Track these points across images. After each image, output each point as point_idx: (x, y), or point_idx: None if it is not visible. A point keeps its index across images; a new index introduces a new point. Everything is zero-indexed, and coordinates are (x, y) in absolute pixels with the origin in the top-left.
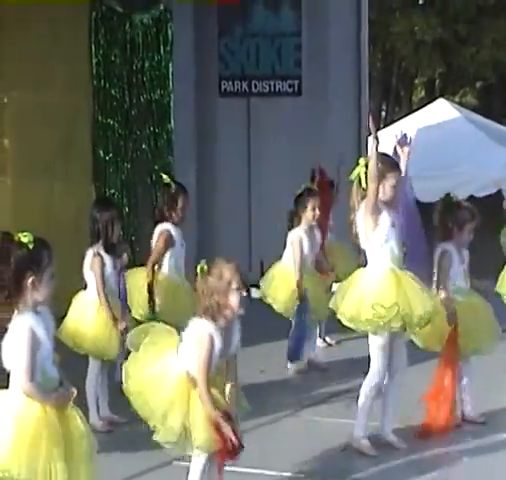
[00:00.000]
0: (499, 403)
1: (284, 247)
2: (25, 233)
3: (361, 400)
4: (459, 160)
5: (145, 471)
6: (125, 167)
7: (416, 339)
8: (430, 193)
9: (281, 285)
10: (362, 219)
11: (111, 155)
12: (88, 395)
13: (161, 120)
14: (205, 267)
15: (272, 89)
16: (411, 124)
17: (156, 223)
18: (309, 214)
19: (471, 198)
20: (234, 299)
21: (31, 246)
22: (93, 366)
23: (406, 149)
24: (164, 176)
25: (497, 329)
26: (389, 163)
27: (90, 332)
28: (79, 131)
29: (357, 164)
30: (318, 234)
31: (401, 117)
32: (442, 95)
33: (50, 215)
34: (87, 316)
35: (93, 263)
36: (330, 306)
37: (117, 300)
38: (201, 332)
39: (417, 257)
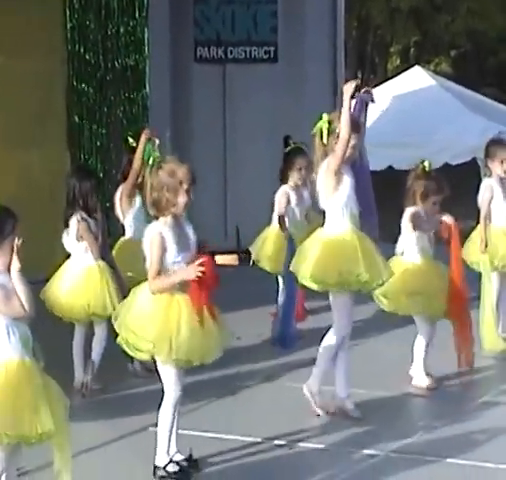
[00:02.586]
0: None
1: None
2: None
3: (323, 357)
4: (435, 128)
5: (121, 437)
6: (100, 133)
7: (384, 302)
8: (405, 160)
9: (272, 245)
10: (323, 178)
11: (86, 121)
12: (75, 357)
13: (136, 86)
14: (157, 160)
15: (248, 55)
16: (387, 91)
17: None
18: (296, 174)
19: (446, 166)
20: (182, 200)
21: None
22: (79, 328)
23: (366, 107)
24: (131, 140)
25: None
26: (355, 123)
27: (96, 294)
28: (54, 97)
29: (320, 119)
30: (306, 194)
31: (376, 85)
32: (417, 63)
33: (26, 181)
34: (79, 284)
35: (82, 229)
36: (291, 269)
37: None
38: (150, 234)
39: (367, 221)
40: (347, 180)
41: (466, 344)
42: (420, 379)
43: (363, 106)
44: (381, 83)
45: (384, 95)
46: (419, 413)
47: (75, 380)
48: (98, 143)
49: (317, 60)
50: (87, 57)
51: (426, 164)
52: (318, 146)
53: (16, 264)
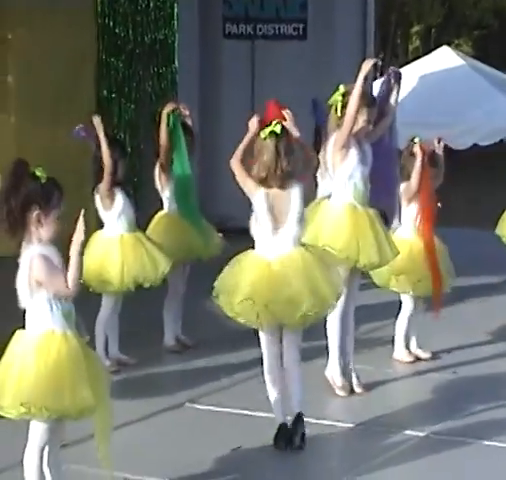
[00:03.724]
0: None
1: None
2: (40, 168)
3: (332, 336)
4: (463, 108)
5: (156, 413)
6: (129, 107)
7: (375, 277)
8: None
9: None
10: (331, 151)
11: (115, 95)
12: (97, 335)
13: (165, 61)
14: None
15: (277, 32)
16: (415, 71)
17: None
18: None
19: (474, 146)
20: None
21: (43, 181)
22: (107, 303)
23: (397, 89)
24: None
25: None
26: (368, 98)
27: (119, 267)
28: (84, 71)
29: (336, 89)
30: None
31: (400, 66)
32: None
33: (55, 155)
34: (106, 253)
35: (103, 200)
36: None
37: (135, 225)
38: None
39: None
40: (353, 155)
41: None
42: (400, 353)
43: (391, 87)
44: (404, 65)
45: (412, 75)
46: (455, 393)
47: (108, 355)
48: (127, 117)
49: (346, 37)
50: (117, 31)
51: (416, 140)
52: (332, 117)
53: (80, 237)
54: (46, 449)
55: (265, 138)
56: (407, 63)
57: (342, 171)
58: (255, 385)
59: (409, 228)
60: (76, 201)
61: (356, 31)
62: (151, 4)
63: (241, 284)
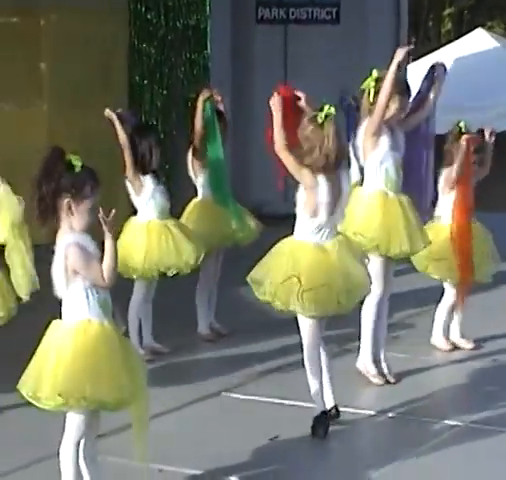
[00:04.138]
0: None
1: None
2: (76, 156)
3: (366, 326)
4: (499, 91)
5: (192, 402)
6: (161, 93)
7: (415, 262)
8: (469, 124)
9: None
10: (362, 138)
11: (147, 81)
12: (130, 321)
13: (197, 46)
14: None
15: (310, 16)
16: (449, 55)
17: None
18: None
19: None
20: None
21: (78, 169)
22: (139, 288)
23: (440, 83)
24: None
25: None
26: (401, 85)
27: (143, 253)
28: (116, 57)
29: (370, 75)
30: None
31: (431, 50)
32: (470, 28)
33: (88, 142)
34: (137, 238)
35: (133, 185)
36: None
37: (168, 214)
38: None
39: (418, 187)
40: (384, 141)
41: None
42: (438, 341)
43: (434, 80)
44: (437, 48)
45: (447, 58)
46: (493, 382)
47: (142, 344)
48: (159, 104)
49: (379, 21)
50: (149, 17)
51: (462, 125)
52: (365, 103)
53: (112, 229)
54: (82, 441)
55: (322, 123)
56: (440, 46)
57: (373, 157)
58: (291, 373)
59: (449, 215)
60: (109, 187)
61: (389, 14)
62: None
63: (304, 272)
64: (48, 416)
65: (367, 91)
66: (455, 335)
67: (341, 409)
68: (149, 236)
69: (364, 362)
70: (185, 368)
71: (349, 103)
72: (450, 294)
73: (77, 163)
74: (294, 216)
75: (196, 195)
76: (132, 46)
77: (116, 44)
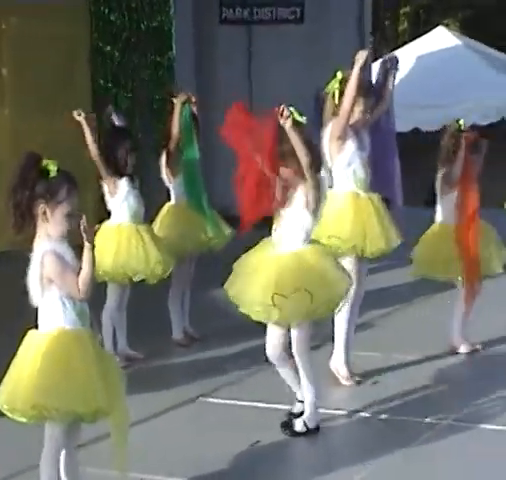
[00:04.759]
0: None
1: None
2: (53, 161)
3: (340, 327)
4: (461, 88)
5: (169, 409)
6: (125, 96)
7: (420, 268)
8: (432, 122)
9: None
10: (328, 140)
11: (111, 84)
12: (104, 327)
13: (162, 48)
14: None
15: (274, 16)
16: (411, 53)
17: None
18: None
19: (474, 127)
20: None
21: (53, 175)
22: (112, 294)
23: (393, 73)
24: (175, 101)
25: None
26: (364, 88)
27: (112, 255)
28: (79, 59)
29: (334, 76)
30: None
31: (392, 49)
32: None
33: (51, 146)
34: (108, 240)
35: (108, 187)
36: None
37: (141, 219)
38: None
39: (388, 183)
40: (350, 144)
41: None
42: (457, 342)
43: (388, 73)
44: (396, 48)
45: (408, 56)
46: (475, 380)
47: (117, 350)
48: (123, 107)
49: (343, 21)
50: (111, 18)
51: (461, 122)
52: (329, 105)
53: (89, 240)
54: (63, 453)
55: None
56: (397, 46)
57: (340, 160)
58: (267, 376)
59: (451, 215)
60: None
61: (352, 13)
62: None
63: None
64: (28, 427)
65: (331, 93)
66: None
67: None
68: (119, 239)
69: (337, 364)
70: (160, 374)
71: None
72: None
73: (52, 168)
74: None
75: (169, 199)
76: (95, 48)
77: (79, 46)
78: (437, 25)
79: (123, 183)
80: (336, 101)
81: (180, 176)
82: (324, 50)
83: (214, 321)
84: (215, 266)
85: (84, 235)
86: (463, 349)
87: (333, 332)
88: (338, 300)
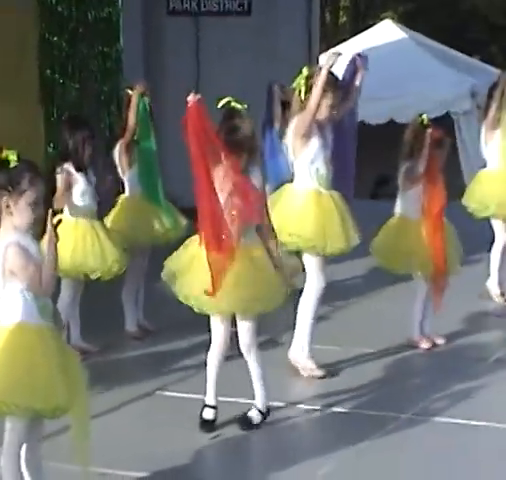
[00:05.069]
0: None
1: None
2: (12, 151)
3: (303, 320)
4: (407, 81)
5: (126, 402)
6: (72, 87)
7: (381, 260)
8: (377, 115)
9: None
10: (291, 137)
11: (58, 75)
12: (71, 318)
13: (109, 39)
14: None
15: (221, 8)
16: (357, 46)
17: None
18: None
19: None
20: None
21: (13, 164)
22: (65, 288)
23: (362, 72)
24: (129, 92)
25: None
26: (332, 82)
27: (65, 251)
28: (26, 50)
29: (300, 73)
30: None
31: (338, 42)
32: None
33: None
34: (64, 236)
35: (60, 180)
36: None
37: (95, 216)
38: None
39: (345, 179)
40: (314, 142)
41: (438, 293)
42: (416, 338)
43: (356, 70)
44: (340, 42)
45: (354, 49)
46: (432, 373)
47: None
48: (70, 98)
49: (291, 12)
50: (59, 9)
51: (424, 117)
52: (296, 101)
53: (52, 237)
54: (24, 448)
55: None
56: (341, 40)
57: (304, 157)
58: (225, 370)
59: (413, 209)
60: None
61: (299, 5)
62: None
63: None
64: None
65: (298, 89)
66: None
67: (278, 404)
68: (76, 236)
69: (300, 357)
70: (116, 367)
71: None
72: (423, 288)
73: (12, 158)
74: None
75: (122, 191)
76: (42, 39)
77: (26, 37)
78: (378, 19)
79: (81, 178)
80: (302, 97)
81: (135, 167)
82: (272, 41)
83: (168, 313)
84: (163, 256)
85: (49, 231)
86: (424, 345)
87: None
88: (274, 302)
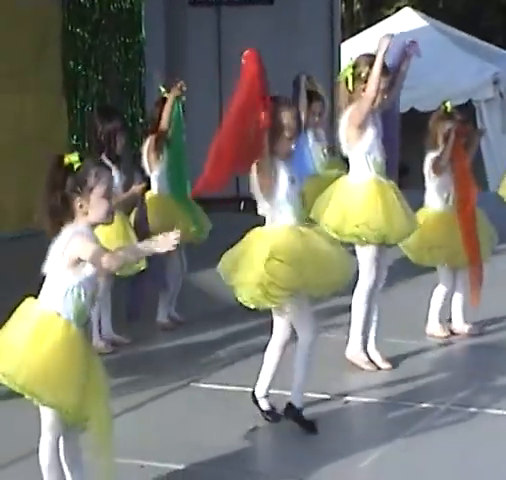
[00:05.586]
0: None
1: None
2: (73, 153)
3: (357, 314)
4: (429, 69)
5: (162, 394)
6: (95, 78)
7: (408, 254)
8: (402, 103)
9: None
10: (345, 128)
11: (81, 66)
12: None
13: (132, 30)
14: None
15: None
16: (378, 34)
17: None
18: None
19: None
20: None
21: (76, 166)
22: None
23: (411, 59)
24: (162, 89)
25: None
26: (384, 68)
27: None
28: (49, 40)
29: (347, 66)
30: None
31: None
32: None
33: (21, 128)
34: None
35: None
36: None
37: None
38: None
39: (391, 167)
40: (370, 131)
41: (476, 285)
42: (434, 328)
43: (405, 58)
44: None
45: (374, 38)
46: (465, 363)
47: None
48: (94, 89)
49: (313, 1)
50: (81, 0)
51: (448, 104)
52: (343, 92)
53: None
54: (61, 440)
55: None
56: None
57: (360, 148)
58: (257, 360)
59: (439, 199)
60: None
61: None
62: None
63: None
64: (28, 411)
65: (344, 79)
66: (458, 321)
67: (323, 396)
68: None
69: (354, 352)
70: (148, 359)
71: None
72: (448, 280)
73: (74, 160)
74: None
75: (149, 188)
76: (65, 30)
77: (49, 28)
78: (392, 8)
79: (114, 171)
80: (350, 88)
81: (163, 165)
82: (294, 30)
83: (197, 304)
84: (195, 250)
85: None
86: (468, 331)
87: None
88: (334, 286)
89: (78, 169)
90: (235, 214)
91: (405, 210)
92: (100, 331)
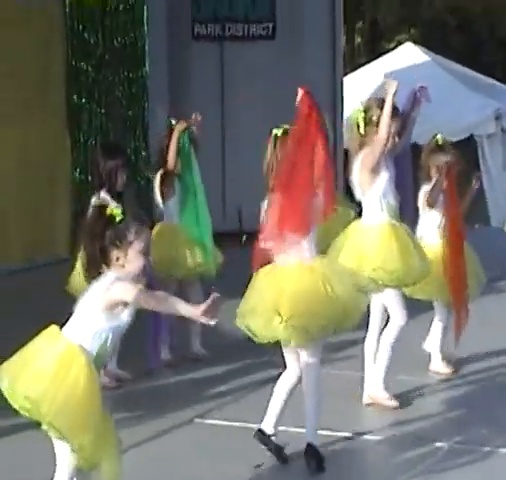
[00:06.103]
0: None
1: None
2: (117, 206)
3: (384, 352)
4: (431, 105)
5: (166, 431)
6: (99, 112)
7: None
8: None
9: None
10: (358, 173)
11: (85, 100)
12: None
13: (135, 65)
14: None
15: (246, 33)
16: (379, 69)
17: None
18: None
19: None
20: None
21: (118, 219)
22: None
23: (421, 104)
24: (173, 122)
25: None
26: (394, 111)
27: None
28: (53, 75)
29: (356, 110)
30: None
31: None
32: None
33: (24, 160)
34: None
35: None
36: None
37: None
38: None
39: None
40: (384, 175)
41: (459, 322)
42: (437, 364)
43: (416, 101)
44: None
45: (376, 73)
46: (472, 400)
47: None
48: (97, 123)
49: (315, 37)
50: (86, 35)
51: (439, 137)
52: (354, 136)
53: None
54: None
55: None
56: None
57: (374, 191)
58: (262, 396)
59: (433, 233)
60: (47, 204)
61: (324, 28)
62: (120, 7)
63: None
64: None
65: (356, 124)
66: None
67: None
68: None
69: (376, 389)
70: (152, 395)
71: None
72: (443, 315)
73: (117, 213)
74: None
75: (160, 219)
76: (69, 64)
77: (53, 62)
78: (393, 41)
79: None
80: (362, 131)
81: (175, 198)
82: (296, 66)
83: (203, 340)
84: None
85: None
86: (445, 370)
87: None
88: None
89: (119, 222)
90: (235, 248)
91: (419, 253)
92: (104, 366)
